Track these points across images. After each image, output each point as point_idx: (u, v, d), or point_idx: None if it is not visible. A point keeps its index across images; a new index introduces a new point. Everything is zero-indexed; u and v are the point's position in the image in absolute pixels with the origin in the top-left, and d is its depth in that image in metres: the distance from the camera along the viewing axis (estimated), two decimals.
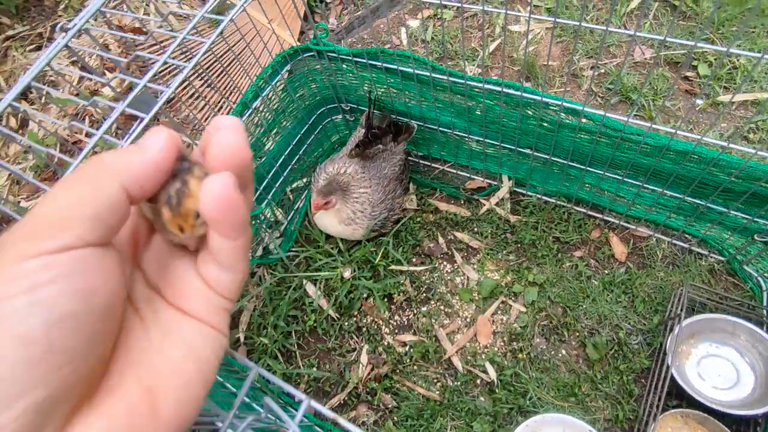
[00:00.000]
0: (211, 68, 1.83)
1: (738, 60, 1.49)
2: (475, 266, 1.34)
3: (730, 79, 1.48)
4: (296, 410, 1.21)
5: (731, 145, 0.91)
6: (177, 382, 0.27)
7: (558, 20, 0.89)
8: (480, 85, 1.12)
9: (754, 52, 0.75)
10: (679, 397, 1.06)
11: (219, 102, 1.83)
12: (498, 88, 1.11)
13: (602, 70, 1.63)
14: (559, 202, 1.37)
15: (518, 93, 1.09)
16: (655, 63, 1.58)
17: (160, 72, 1.79)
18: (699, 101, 1.48)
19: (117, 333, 0.26)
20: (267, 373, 0.46)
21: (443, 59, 1.78)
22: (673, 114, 1.47)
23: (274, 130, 1.41)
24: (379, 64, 1.22)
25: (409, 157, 1.53)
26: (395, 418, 1.18)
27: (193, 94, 1.85)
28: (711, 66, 1.50)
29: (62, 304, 0.22)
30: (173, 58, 0.80)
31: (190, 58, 0.82)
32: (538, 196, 1.39)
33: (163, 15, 0.90)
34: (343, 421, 0.41)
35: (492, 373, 1.17)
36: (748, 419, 0.99)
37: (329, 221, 1.30)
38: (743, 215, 1.06)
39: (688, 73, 1.54)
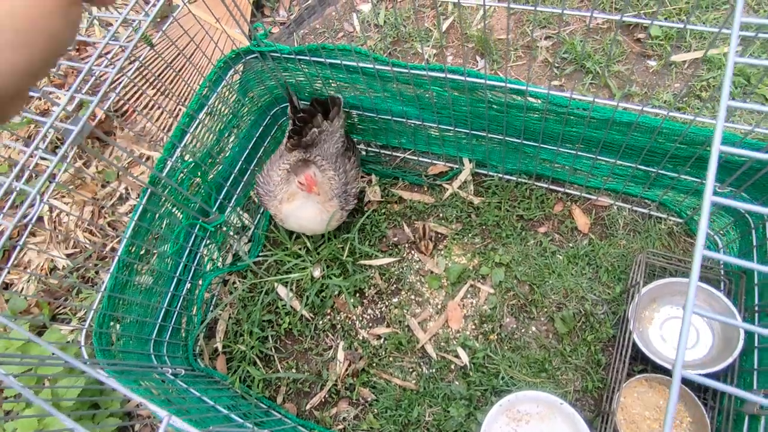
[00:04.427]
0: (162, 75, 1.78)
1: (688, 18, 1.48)
2: (443, 252, 1.34)
3: (681, 38, 1.47)
4: (279, 413, 1.23)
5: (671, 113, 0.91)
6: None
7: (513, 6, 0.87)
8: (424, 72, 1.11)
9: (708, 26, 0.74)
10: (645, 362, 1.09)
11: (174, 110, 1.79)
12: (442, 75, 1.09)
13: (556, 40, 1.61)
14: (520, 180, 1.37)
15: (462, 77, 1.08)
16: (608, 28, 1.56)
17: (104, 77, 1.75)
18: (651, 63, 1.47)
19: None
20: (181, 422, 0.46)
21: (398, 42, 1.75)
22: (627, 78, 1.47)
23: (231, 136, 1.39)
24: (323, 60, 1.20)
25: (369, 148, 1.52)
26: (375, 410, 1.20)
27: (148, 104, 1.81)
28: (661, 27, 1.48)
29: None
30: (123, 68, 0.78)
31: (132, 61, 0.80)
32: (500, 175, 1.39)
33: (110, 25, 0.87)
34: None
35: (464, 357, 1.19)
36: (708, 377, 1.02)
37: (311, 212, 1.22)
38: (693, 178, 1.07)
39: (640, 35, 1.52)
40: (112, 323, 1.10)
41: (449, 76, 1.09)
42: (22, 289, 1.53)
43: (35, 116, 0.70)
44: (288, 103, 1.35)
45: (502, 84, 1.05)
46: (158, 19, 1.88)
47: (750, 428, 0.86)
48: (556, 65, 1.56)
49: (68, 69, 1.88)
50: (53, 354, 1.15)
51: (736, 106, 0.45)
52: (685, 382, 1.00)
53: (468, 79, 1.07)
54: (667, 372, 1.02)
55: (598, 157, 1.15)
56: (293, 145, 1.24)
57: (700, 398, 1.00)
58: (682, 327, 0.39)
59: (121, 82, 1.66)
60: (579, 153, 1.17)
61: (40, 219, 1.64)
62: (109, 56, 1.06)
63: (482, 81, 1.06)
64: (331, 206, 1.24)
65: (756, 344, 0.94)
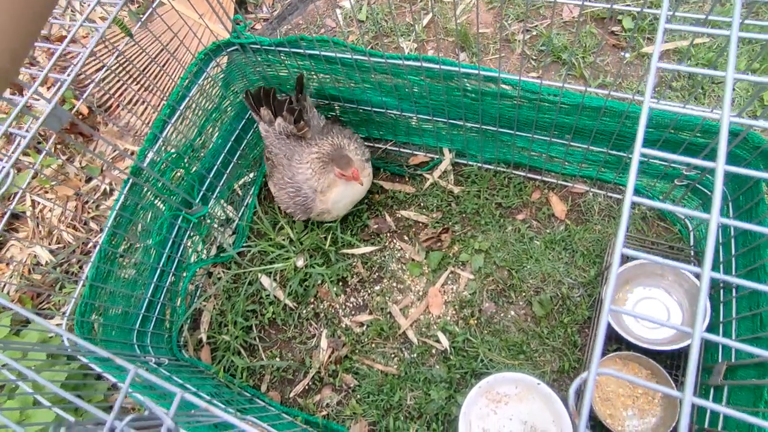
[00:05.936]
0: (147, 70, 1.79)
1: (642, 8, 1.52)
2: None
3: (653, 30, 1.51)
4: (262, 401, 1.24)
5: (635, 97, 0.94)
6: None
7: None
8: (400, 62, 1.13)
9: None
10: (619, 341, 1.12)
11: (159, 104, 1.79)
12: (418, 64, 1.12)
13: (534, 33, 1.65)
14: (498, 168, 1.40)
15: (437, 66, 1.10)
16: (583, 21, 1.60)
17: (85, 71, 1.74)
18: (626, 54, 1.51)
19: None
20: (147, 373, 0.47)
21: (379, 37, 1.78)
22: (602, 69, 1.50)
23: (214, 129, 1.40)
24: (302, 51, 1.21)
25: None
26: (358, 395, 1.22)
27: (132, 99, 1.81)
28: (634, 19, 1.53)
29: None
30: (101, 57, 0.79)
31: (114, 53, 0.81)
32: (479, 164, 1.41)
33: (89, 19, 0.88)
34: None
35: (445, 342, 1.22)
36: (678, 352, 1.05)
37: (354, 187, 1.26)
38: (661, 162, 1.10)
39: (614, 28, 1.56)
40: (94, 314, 1.10)
41: (424, 64, 1.11)
42: (5, 284, 1.53)
43: (10, 96, 0.71)
44: (259, 104, 1.34)
45: (476, 72, 1.07)
46: (141, 15, 1.89)
47: (715, 398, 0.89)
48: (533, 57, 1.59)
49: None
50: (42, 342, 1.15)
51: (663, 67, 0.47)
52: (658, 359, 1.03)
53: (443, 67, 1.09)
54: (640, 350, 1.05)
55: (571, 143, 1.18)
56: (304, 125, 1.26)
57: (671, 375, 1.03)
58: (612, 268, 0.42)
59: (103, 70, 1.66)
60: (553, 139, 1.20)
61: (22, 214, 1.64)
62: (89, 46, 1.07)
63: (456, 69, 1.09)
64: (365, 171, 1.29)
65: (721, 319, 0.98)
